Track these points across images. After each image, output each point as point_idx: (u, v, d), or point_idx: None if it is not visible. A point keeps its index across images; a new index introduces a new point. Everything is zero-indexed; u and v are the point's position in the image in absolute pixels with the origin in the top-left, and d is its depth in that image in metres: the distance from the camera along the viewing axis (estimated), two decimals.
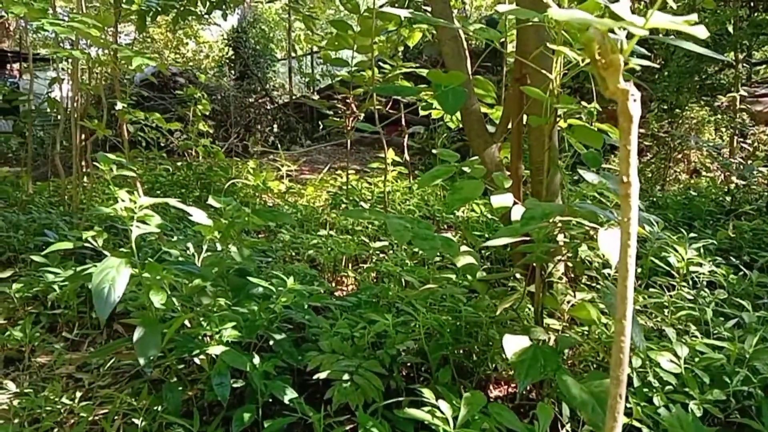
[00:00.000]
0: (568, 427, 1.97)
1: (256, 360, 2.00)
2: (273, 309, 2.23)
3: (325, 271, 3.69)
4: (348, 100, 4.96)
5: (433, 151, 6.96)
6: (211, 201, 2.30)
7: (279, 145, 8.23)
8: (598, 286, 2.82)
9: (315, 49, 14.02)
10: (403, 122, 5.67)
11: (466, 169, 2.02)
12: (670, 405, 1.74)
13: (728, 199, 5.27)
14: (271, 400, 2.08)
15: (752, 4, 10.16)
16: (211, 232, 2.21)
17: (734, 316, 2.40)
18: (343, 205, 5.12)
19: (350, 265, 3.79)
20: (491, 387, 2.36)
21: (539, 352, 1.65)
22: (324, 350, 2.16)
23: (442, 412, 1.61)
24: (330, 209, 5.12)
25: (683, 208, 4.71)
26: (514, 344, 1.66)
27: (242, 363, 1.95)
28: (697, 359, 2.02)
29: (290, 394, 1.96)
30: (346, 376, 1.95)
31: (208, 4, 6.74)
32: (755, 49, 12.64)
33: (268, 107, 11.98)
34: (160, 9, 6.16)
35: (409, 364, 2.42)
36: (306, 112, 12.95)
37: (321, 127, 12.76)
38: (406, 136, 5.69)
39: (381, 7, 5.29)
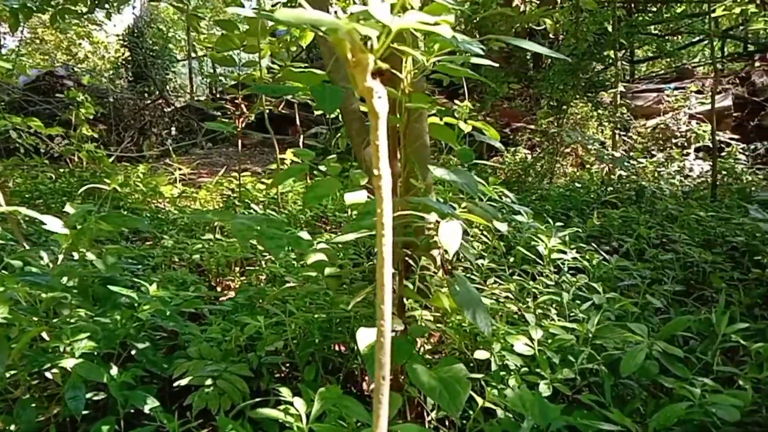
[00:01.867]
0: (433, 414, 2.04)
1: (114, 371, 1.93)
2: (139, 317, 2.16)
3: (210, 275, 3.62)
4: (237, 101, 4.88)
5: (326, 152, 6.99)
6: (68, 208, 2.20)
7: (171, 149, 7.99)
8: (474, 277, 2.93)
9: None
10: (298, 122, 5.65)
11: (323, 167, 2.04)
12: (517, 386, 1.84)
13: (607, 189, 5.62)
14: (135, 411, 2.02)
15: (631, 5, 10.90)
16: (67, 240, 2.11)
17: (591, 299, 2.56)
18: (238, 208, 5.04)
19: (238, 268, 3.74)
20: (366, 380, 2.40)
21: (391, 342, 1.69)
22: (192, 356, 2.12)
23: (296, 409, 1.62)
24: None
25: (563, 200, 4.97)
26: (366, 336, 1.69)
27: (98, 375, 1.88)
28: (550, 341, 2.14)
29: (151, 404, 1.91)
30: (209, 381, 1.92)
31: (89, 2, 6.43)
32: (636, 48, 13.54)
33: (165, 110, 11.58)
34: (34, 8, 5.83)
35: (286, 365, 2.42)
36: (207, 114, 12.63)
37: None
38: (301, 136, 5.67)
39: (268, 8, 5.24)
